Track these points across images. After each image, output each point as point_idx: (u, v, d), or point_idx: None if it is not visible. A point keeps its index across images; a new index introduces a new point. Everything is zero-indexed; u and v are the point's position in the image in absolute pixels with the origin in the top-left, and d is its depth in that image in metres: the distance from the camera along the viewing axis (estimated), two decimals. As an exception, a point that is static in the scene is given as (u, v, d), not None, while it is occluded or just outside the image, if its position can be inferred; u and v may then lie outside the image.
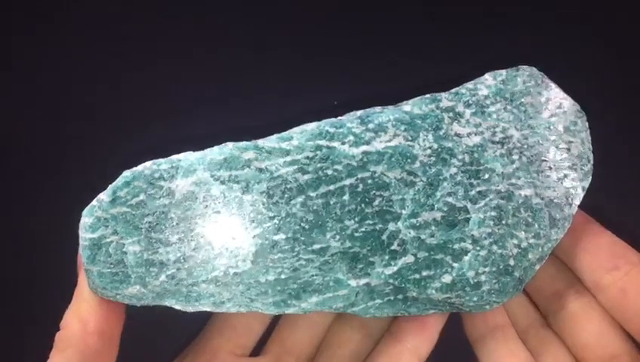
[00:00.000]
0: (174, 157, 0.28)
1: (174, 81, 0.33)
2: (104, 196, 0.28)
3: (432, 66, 0.34)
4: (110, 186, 0.28)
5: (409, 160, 0.29)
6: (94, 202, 0.28)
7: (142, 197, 0.28)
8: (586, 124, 0.31)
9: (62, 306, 0.29)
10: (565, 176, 0.30)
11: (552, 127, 0.31)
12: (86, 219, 0.28)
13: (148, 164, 0.28)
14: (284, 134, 0.29)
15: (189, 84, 0.33)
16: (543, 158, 0.30)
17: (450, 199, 0.29)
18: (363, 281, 0.29)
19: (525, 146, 0.30)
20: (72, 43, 0.33)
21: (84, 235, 0.27)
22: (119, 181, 0.28)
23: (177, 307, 0.28)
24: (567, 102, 0.31)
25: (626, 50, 0.35)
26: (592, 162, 0.31)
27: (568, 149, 0.31)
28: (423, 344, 0.31)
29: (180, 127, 0.32)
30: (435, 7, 0.35)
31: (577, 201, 0.31)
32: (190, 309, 0.28)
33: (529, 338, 0.32)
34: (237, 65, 0.33)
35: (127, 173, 0.28)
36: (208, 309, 0.28)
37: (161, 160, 0.28)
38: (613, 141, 0.34)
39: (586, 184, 0.31)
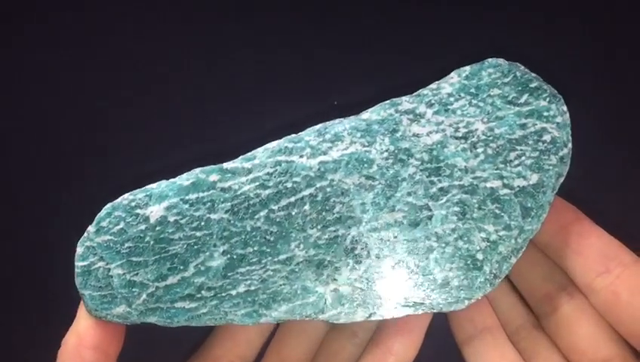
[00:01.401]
0: (148, 186, 0.31)
1: (155, 108, 0.36)
2: (91, 227, 0.31)
3: (419, 66, 0.35)
4: (95, 218, 0.31)
5: (366, 164, 0.30)
6: (85, 234, 0.31)
7: (121, 225, 0.31)
8: (563, 108, 0.30)
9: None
10: (537, 163, 0.29)
11: (522, 116, 0.30)
12: (78, 250, 0.31)
13: (126, 195, 0.31)
14: (248, 155, 0.31)
15: (167, 113, 0.36)
16: (511, 148, 0.30)
17: (410, 199, 0.29)
18: (331, 287, 0.30)
19: (491, 138, 0.30)
20: (53, 72, 0.37)
21: (77, 264, 0.31)
22: (102, 212, 0.31)
23: (160, 324, 0.31)
24: (539, 89, 0.30)
25: (611, 36, 0.34)
26: (569, 147, 0.30)
27: (540, 136, 0.30)
28: (406, 348, 0.30)
29: (159, 160, 0.35)
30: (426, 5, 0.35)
31: (554, 188, 0.29)
32: (172, 325, 0.31)
33: (520, 339, 0.31)
34: (206, 89, 0.36)
35: (108, 206, 0.31)
36: (188, 324, 0.30)
37: (137, 190, 0.31)
38: (603, 131, 0.32)
39: (563, 170, 0.30)
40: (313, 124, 0.31)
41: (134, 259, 0.30)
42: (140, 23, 0.36)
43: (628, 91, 0.35)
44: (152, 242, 0.30)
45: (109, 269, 0.30)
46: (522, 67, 0.31)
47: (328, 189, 0.30)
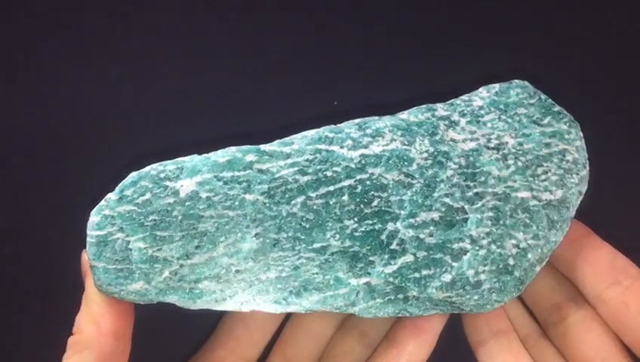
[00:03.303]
0: (179, 159, 0.29)
1: (177, 88, 0.35)
2: (112, 195, 0.29)
3: (428, 80, 0.36)
4: (118, 186, 0.29)
5: (406, 162, 0.30)
6: (102, 202, 0.29)
7: (148, 196, 0.29)
8: (580, 133, 0.32)
9: (64, 309, 0.29)
10: (561, 180, 0.31)
11: (546, 135, 0.32)
12: (94, 218, 0.29)
13: (154, 165, 0.29)
14: (285, 140, 0.30)
15: (191, 92, 0.35)
16: (538, 163, 0.31)
17: (447, 200, 0.30)
18: (363, 280, 0.29)
19: (520, 152, 0.31)
20: (74, 46, 0.35)
21: (92, 233, 0.28)
22: (127, 180, 0.29)
23: (180, 304, 0.29)
24: (560, 113, 0.32)
25: (617, 61, 0.37)
26: (587, 168, 0.32)
27: (563, 155, 0.31)
28: (420, 349, 0.31)
29: (184, 134, 0.34)
30: (431, 24, 0.37)
31: (575, 205, 0.31)
32: (192, 307, 0.29)
33: (528, 348, 0.32)
34: (240, 73, 0.35)
35: (134, 174, 0.29)
36: (209, 307, 0.29)
37: (167, 161, 0.29)
38: (610, 152, 0.35)
39: (583, 189, 0.31)
40: (331, 121, 0.31)
41: (159, 233, 0.29)
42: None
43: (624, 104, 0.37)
44: (180, 217, 0.29)
45: (129, 242, 0.28)
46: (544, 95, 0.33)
47: (368, 182, 0.30)
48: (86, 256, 0.29)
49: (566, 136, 0.32)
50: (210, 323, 0.34)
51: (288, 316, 0.34)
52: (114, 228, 0.28)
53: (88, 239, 0.29)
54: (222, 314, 0.33)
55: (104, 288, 0.28)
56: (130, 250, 0.28)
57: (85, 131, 0.35)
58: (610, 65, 0.37)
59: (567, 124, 0.32)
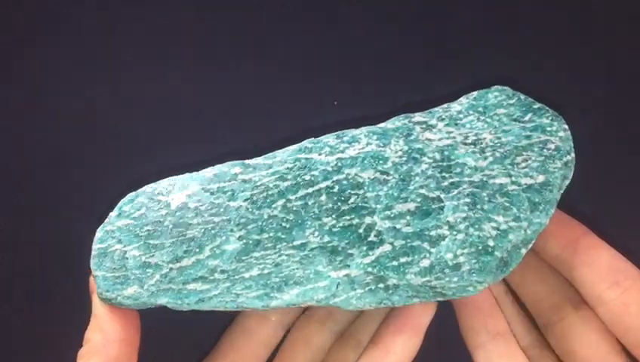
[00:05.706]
0: (173, 177, 0.33)
1: (173, 113, 0.39)
2: (113, 213, 0.32)
3: (414, 92, 0.38)
4: (118, 204, 0.32)
5: (381, 161, 0.31)
6: (106, 220, 0.32)
7: (143, 210, 0.32)
8: (564, 125, 0.32)
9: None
10: (543, 165, 0.31)
11: (526, 130, 0.32)
12: (98, 234, 0.32)
13: (151, 184, 0.32)
14: (269, 155, 0.33)
15: (185, 117, 0.39)
16: (517, 153, 0.31)
17: (422, 191, 0.31)
18: (343, 272, 0.30)
19: (498, 145, 0.32)
20: (67, 68, 0.39)
21: (95, 246, 0.32)
22: (125, 199, 0.32)
23: (170, 306, 0.30)
24: (542, 109, 0.33)
25: (603, 63, 0.37)
26: (572, 155, 0.32)
27: (544, 144, 0.32)
28: (407, 347, 0.30)
29: (180, 157, 0.37)
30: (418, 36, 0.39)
31: (559, 188, 0.31)
32: (182, 307, 0.30)
33: (524, 349, 0.31)
34: (229, 92, 0.38)
35: (132, 194, 0.32)
36: (198, 307, 0.30)
37: (161, 180, 0.33)
38: (608, 153, 0.34)
39: (568, 173, 0.31)
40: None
41: (152, 241, 0.31)
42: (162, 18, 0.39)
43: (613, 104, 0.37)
44: (170, 226, 0.31)
45: (126, 251, 0.31)
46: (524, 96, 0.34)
47: (344, 182, 0.31)
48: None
49: (548, 129, 0.32)
50: (213, 334, 0.35)
51: (289, 330, 0.34)
52: (113, 240, 0.31)
53: (92, 253, 0.32)
54: (224, 326, 0.34)
55: (104, 295, 0.31)
56: (127, 258, 0.31)
57: (92, 154, 0.39)
58: (600, 69, 0.37)
59: (550, 118, 0.33)
